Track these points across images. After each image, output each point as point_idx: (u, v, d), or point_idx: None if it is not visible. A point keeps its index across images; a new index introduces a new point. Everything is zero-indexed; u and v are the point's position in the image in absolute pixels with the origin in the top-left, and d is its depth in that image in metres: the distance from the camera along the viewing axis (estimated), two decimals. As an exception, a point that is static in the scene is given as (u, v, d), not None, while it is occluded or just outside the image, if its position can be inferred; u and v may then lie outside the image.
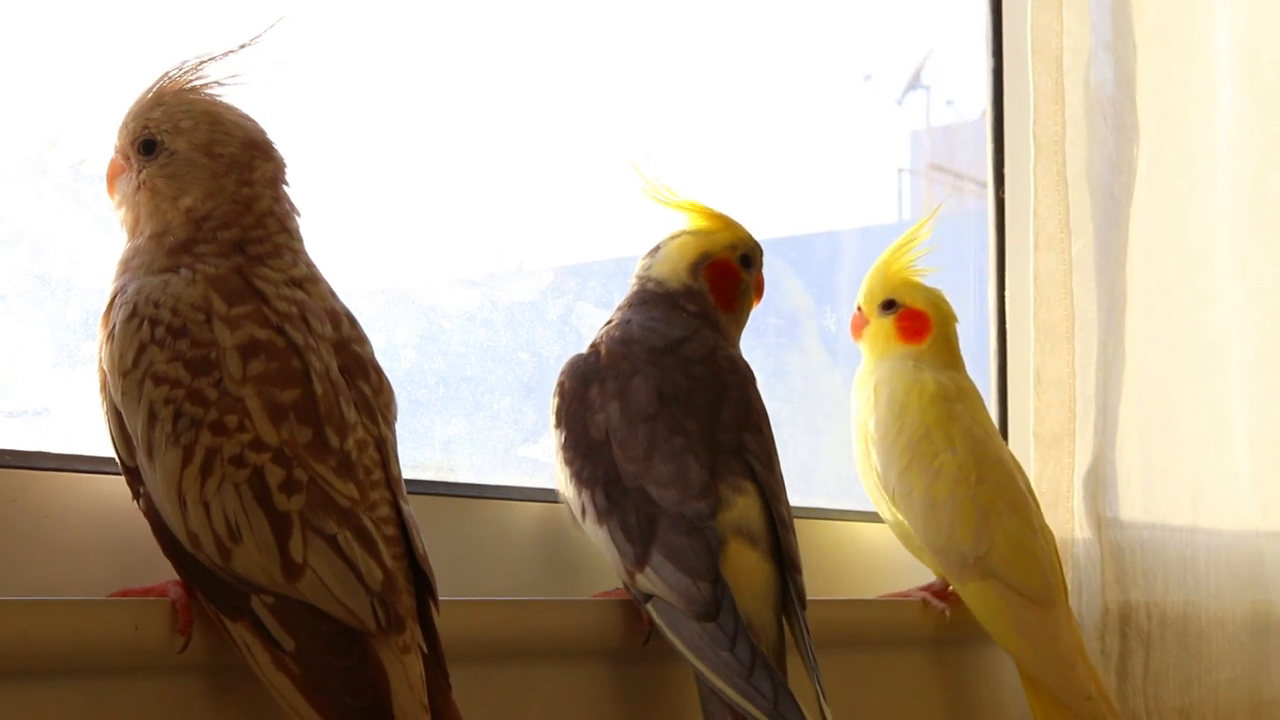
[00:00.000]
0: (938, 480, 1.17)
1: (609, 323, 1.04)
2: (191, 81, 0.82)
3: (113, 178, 0.83)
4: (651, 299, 1.04)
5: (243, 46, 0.82)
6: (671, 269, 1.05)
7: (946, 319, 1.24)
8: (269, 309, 0.79)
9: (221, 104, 0.82)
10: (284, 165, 0.84)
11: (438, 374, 1.13)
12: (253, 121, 0.83)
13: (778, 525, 0.98)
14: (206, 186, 0.81)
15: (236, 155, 0.81)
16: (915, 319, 1.23)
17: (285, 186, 0.84)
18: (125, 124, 0.82)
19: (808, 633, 0.96)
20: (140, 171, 0.81)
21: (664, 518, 0.94)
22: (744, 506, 0.97)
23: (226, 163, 0.81)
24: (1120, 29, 1.35)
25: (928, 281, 1.25)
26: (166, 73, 0.82)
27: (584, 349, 1.03)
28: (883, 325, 1.24)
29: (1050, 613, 1.15)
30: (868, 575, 1.30)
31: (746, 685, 0.90)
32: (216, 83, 0.82)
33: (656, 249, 1.06)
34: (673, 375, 0.99)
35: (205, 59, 0.82)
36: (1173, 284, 1.36)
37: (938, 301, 1.24)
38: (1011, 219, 1.48)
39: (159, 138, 0.81)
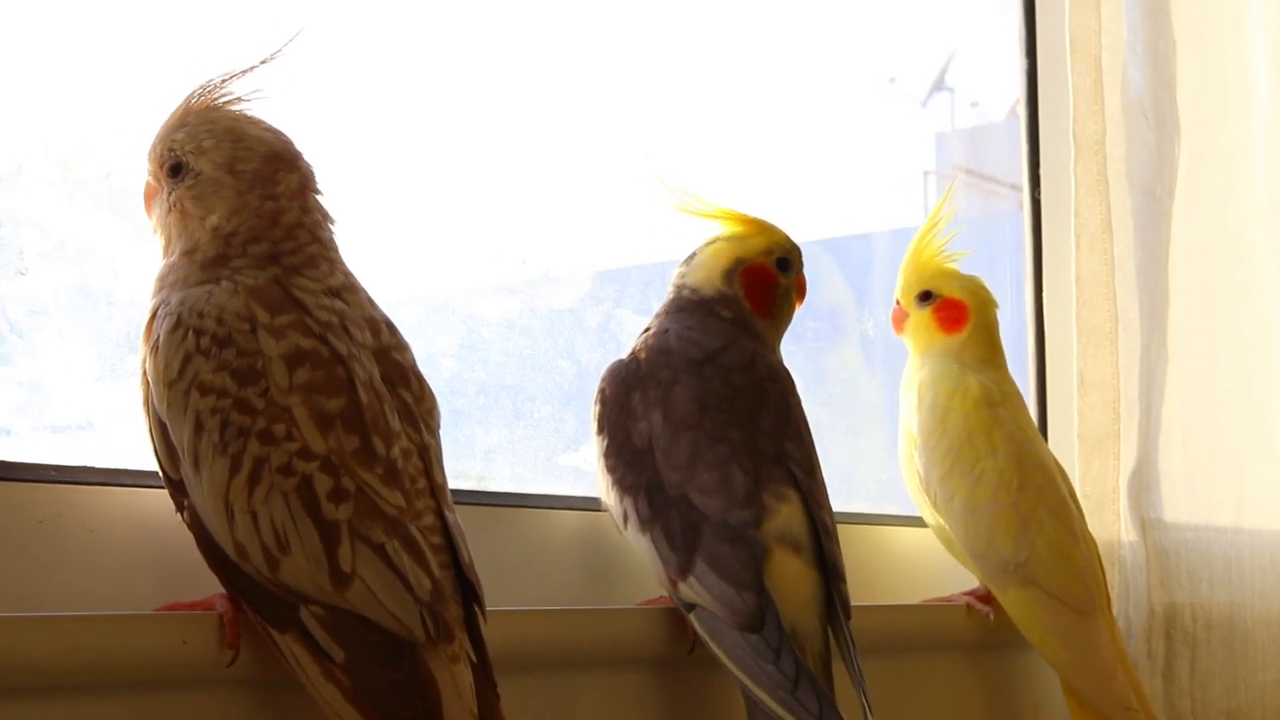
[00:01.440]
0: (979, 486, 1.15)
1: (646, 330, 1.03)
2: (215, 99, 0.81)
3: (149, 200, 0.83)
4: (688, 306, 1.03)
5: (264, 61, 0.81)
6: (706, 276, 1.04)
7: (985, 306, 1.22)
8: (310, 318, 0.78)
9: (245, 119, 0.82)
10: (311, 175, 0.83)
11: (478, 383, 1.12)
12: (276, 134, 0.82)
13: (821, 533, 0.97)
14: (231, 204, 0.80)
15: (259, 170, 0.81)
16: (953, 308, 1.21)
17: (316, 196, 0.83)
18: (153, 147, 0.82)
19: (853, 644, 0.95)
20: (170, 194, 0.81)
21: (707, 525, 0.93)
22: (787, 514, 0.96)
23: (249, 179, 0.80)
24: (1159, 26, 1.34)
25: (962, 267, 1.23)
26: (191, 92, 0.82)
27: (624, 356, 1.02)
28: (922, 317, 1.22)
29: (1091, 621, 1.14)
30: (908, 580, 1.29)
31: (791, 699, 0.89)
32: (239, 99, 0.82)
33: (692, 256, 1.06)
34: (713, 385, 0.98)
35: (229, 75, 0.81)
36: (1213, 282, 1.35)
37: (975, 289, 1.22)
38: (1048, 219, 1.47)
39: (184, 159, 0.81)
